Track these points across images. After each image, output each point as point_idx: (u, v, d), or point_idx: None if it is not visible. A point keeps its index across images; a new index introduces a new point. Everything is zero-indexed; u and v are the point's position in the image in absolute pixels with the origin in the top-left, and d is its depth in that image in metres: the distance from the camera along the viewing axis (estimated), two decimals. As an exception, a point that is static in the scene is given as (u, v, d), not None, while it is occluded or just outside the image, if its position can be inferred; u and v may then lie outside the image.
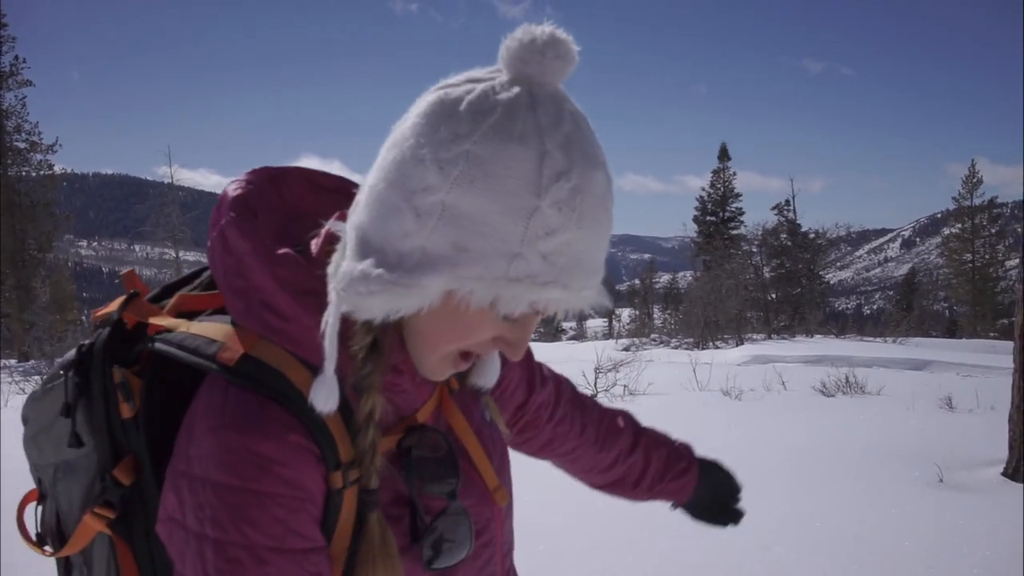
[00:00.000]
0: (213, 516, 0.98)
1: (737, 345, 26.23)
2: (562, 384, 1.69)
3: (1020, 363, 7.96)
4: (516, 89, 0.97)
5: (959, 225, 51.25)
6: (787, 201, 48.14)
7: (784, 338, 30.11)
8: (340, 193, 1.25)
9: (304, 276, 1.07)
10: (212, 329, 1.09)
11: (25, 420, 1.32)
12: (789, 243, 46.72)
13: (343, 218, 1.11)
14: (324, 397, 1.00)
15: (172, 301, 1.22)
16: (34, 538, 1.33)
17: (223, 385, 1.04)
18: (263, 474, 0.98)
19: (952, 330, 49.33)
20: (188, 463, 1.01)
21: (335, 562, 1.07)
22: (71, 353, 1.21)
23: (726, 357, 20.06)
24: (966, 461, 7.87)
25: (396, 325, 1.07)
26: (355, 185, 1.24)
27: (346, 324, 1.04)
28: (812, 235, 47.30)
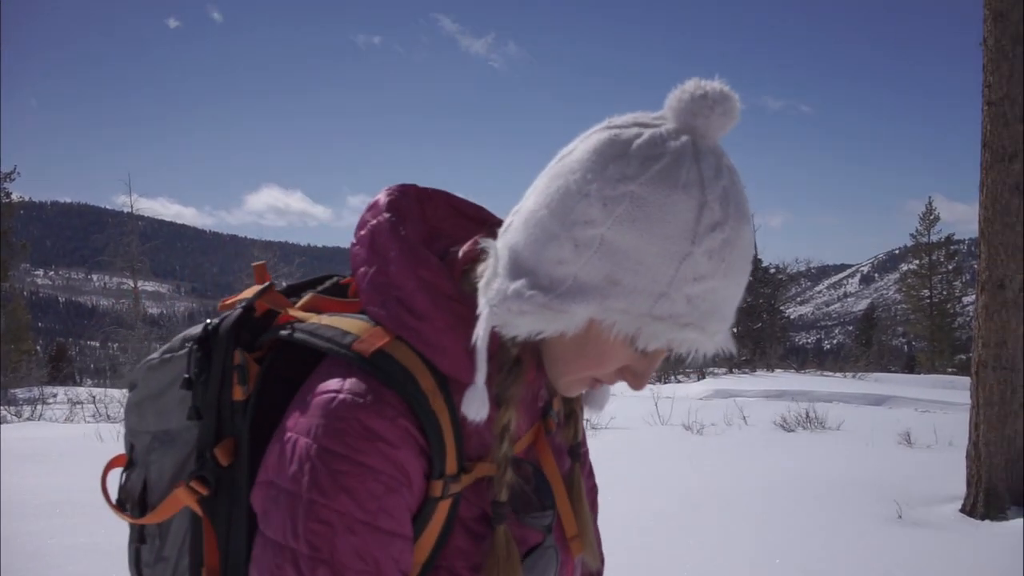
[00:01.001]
0: (312, 478, 1.00)
1: (699, 379, 26.33)
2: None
3: (977, 399, 8.02)
4: (684, 139, 1.01)
5: (917, 261, 51.87)
6: (748, 237, 48.46)
7: (745, 372, 30.30)
8: (479, 222, 1.29)
9: (444, 281, 1.11)
10: (346, 323, 1.12)
11: (132, 386, 1.33)
12: (750, 278, 46.95)
13: (476, 244, 1.17)
14: (476, 407, 1.07)
15: (304, 299, 1.24)
16: (114, 501, 1.36)
17: (346, 366, 1.08)
18: (369, 447, 1.02)
19: (911, 365, 49.83)
20: (297, 427, 1.05)
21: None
22: (197, 328, 1.23)
23: (688, 391, 20.12)
24: (924, 497, 7.90)
25: (536, 345, 1.12)
26: (494, 217, 1.30)
27: (492, 339, 1.08)
28: (773, 270, 47.77)
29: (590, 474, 1.55)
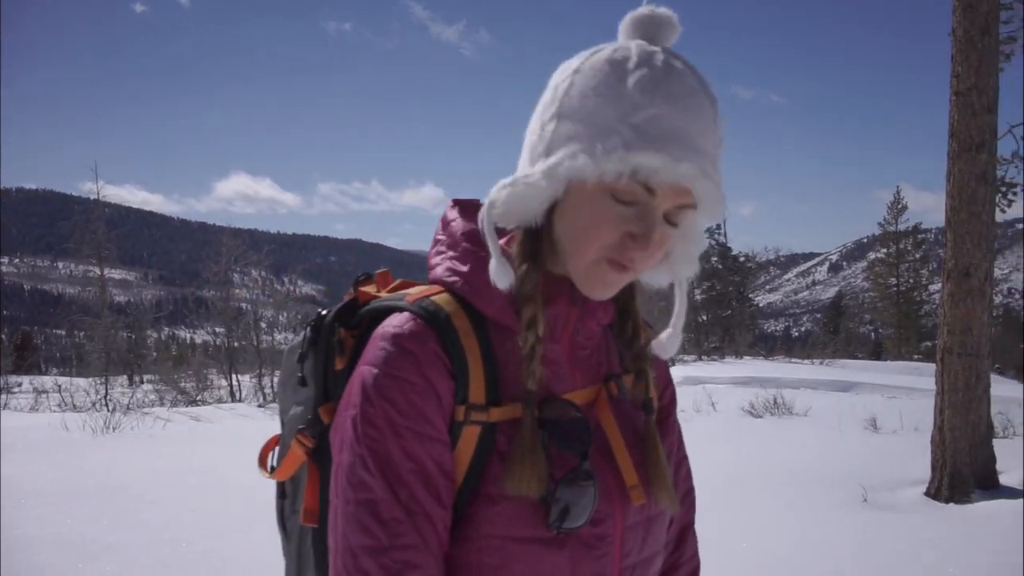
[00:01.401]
0: (364, 394, 1.21)
1: (669, 366, 26.44)
2: (683, 469, 1.60)
3: (943, 385, 8.13)
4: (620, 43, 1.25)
5: (884, 250, 52.19)
6: (718, 225, 48.80)
7: (715, 359, 30.48)
8: None
9: (495, 246, 1.27)
10: (411, 290, 1.36)
11: (281, 371, 1.55)
12: (720, 266, 47.38)
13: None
14: (500, 274, 1.24)
15: (393, 284, 1.48)
16: (268, 470, 1.54)
17: (398, 312, 1.29)
18: (405, 364, 1.21)
19: (877, 352, 50.27)
20: (360, 363, 1.26)
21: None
22: (313, 316, 1.48)
23: (658, 378, 20.16)
24: (890, 481, 8.00)
25: (550, 243, 1.28)
26: None
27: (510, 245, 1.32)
28: (742, 258, 48.07)
29: (679, 445, 1.59)
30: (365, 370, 1.23)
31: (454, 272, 1.31)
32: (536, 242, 1.29)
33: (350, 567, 1.19)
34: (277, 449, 1.58)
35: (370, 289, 1.46)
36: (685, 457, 1.61)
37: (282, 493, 1.56)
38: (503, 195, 1.25)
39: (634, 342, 1.41)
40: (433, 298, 1.29)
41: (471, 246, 1.33)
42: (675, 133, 1.16)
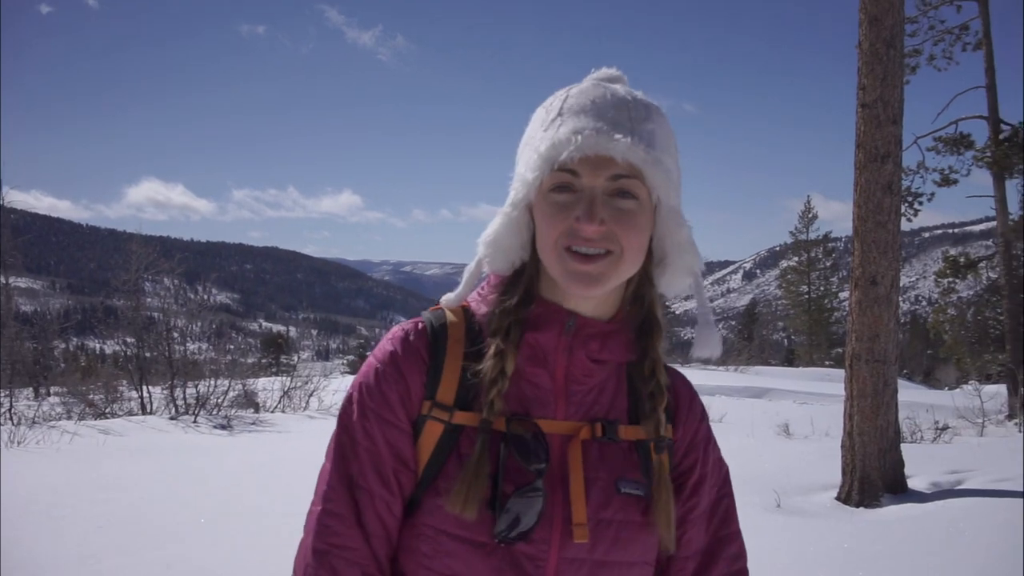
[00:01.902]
0: (355, 380, 1.43)
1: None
2: (720, 520, 1.54)
3: (852, 391, 8.29)
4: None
5: (796, 258, 53.38)
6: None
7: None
8: None
9: (461, 285, 1.48)
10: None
11: None
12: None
13: None
14: (451, 298, 1.46)
15: None
16: None
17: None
18: (386, 356, 1.39)
19: (790, 359, 51.37)
20: None
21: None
22: None
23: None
24: (802, 486, 8.13)
25: (537, 276, 1.41)
26: None
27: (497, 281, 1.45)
28: (659, 267, 48.56)
29: (718, 485, 1.55)
30: (366, 360, 1.44)
31: (477, 294, 1.47)
32: (521, 275, 1.41)
33: (307, 521, 1.39)
34: None
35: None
36: (731, 536, 1.54)
37: None
38: (488, 235, 1.40)
39: (650, 382, 1.43)
40: (449, 311, 1.46)
41: (496, 281, 1.46)
42: (579, 114, 1.33)
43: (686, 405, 1.53)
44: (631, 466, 1.39)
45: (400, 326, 1.44)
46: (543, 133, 1.35)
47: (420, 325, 1.42)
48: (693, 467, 1.51)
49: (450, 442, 1.34)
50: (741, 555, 1.54)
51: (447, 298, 1.46)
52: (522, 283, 1.40)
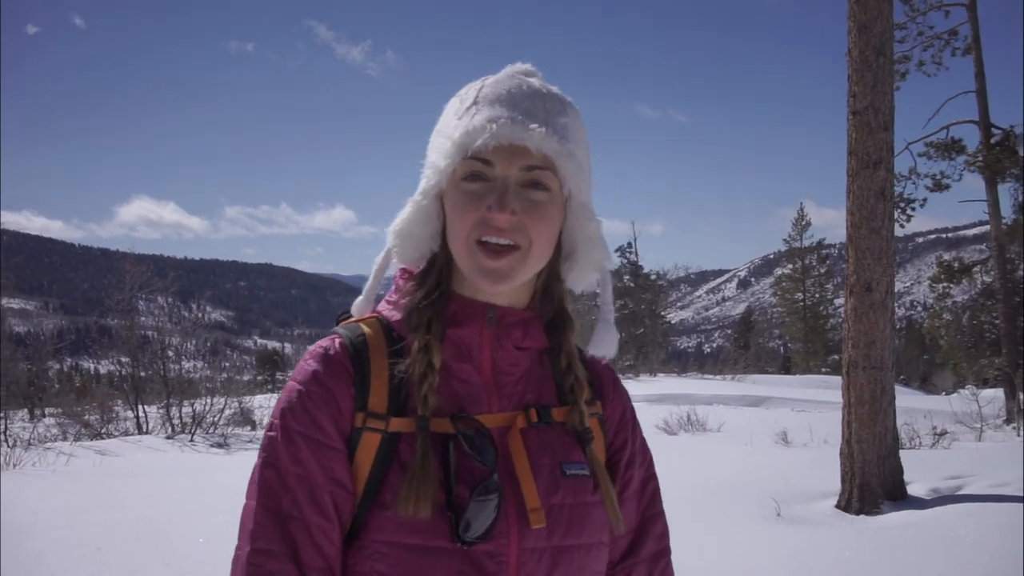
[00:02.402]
0: (276, 408, 1.36)
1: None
2: (648, 499, 1.58)
3: (849, 398, 8.28)
4: None
5: (790, 265, 53.42)
6: (629, 244, 49.53)
7: (629, 377, 30.72)
8: None
9: (368, 285, 1.52)
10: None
11: None
12: (632, 284, 47.99)
13: None
14: (359, 309, 1.48)
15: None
16: None
17: (329, 335, 1.43)
18: (308, 376, 1.34)
19: (787, 366, 51.39)
20: None
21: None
22: None
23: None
24: (801, 495, 8.10)
25: (448, 269, 1.41)
26: None
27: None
28: (653, 276, 48.71)
29: (646, 464, 1.59)
30: (286, 386, 1.38)
31: (386, 302, 1.46)
32: (432, 267, 1.42)
33: (232, 568, 1.32)
34: None
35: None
36: (657, 515, 1.58)
37: None
38: (398, 224, 1.40)
39: (567, 374, 1.44)
40: (362, 323, 1.42)
41: (403, 283, 1.46)
42: (495, 104, 1.34)
43: (610, 386, 1.56)
44: (571, 447, 1.42)
45: (316, 345, 1.39)
46: (457, 121, 1.36)
47: (338, 340, 1.38)
48: (624, 445, 1.54)
49: (389, 451, 1.31)
50: (666, 534, 1.60)
51: (357, 304, 1.49)
52: (434, 275, 1.41)
